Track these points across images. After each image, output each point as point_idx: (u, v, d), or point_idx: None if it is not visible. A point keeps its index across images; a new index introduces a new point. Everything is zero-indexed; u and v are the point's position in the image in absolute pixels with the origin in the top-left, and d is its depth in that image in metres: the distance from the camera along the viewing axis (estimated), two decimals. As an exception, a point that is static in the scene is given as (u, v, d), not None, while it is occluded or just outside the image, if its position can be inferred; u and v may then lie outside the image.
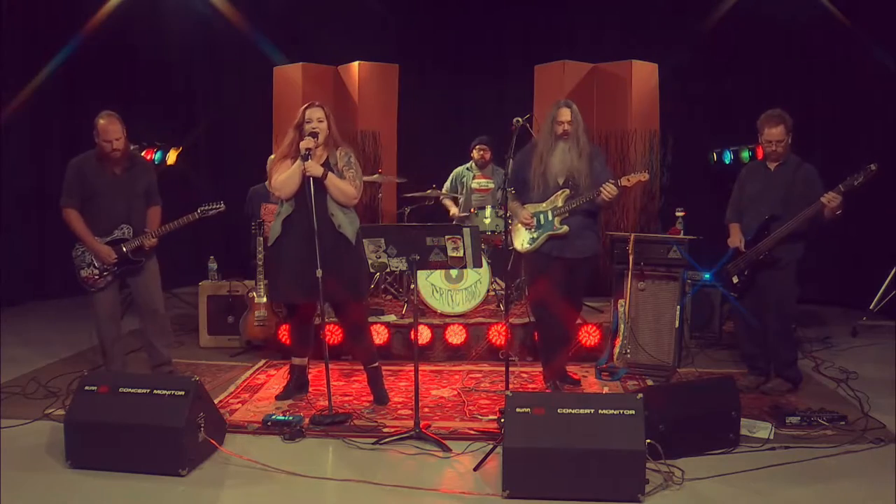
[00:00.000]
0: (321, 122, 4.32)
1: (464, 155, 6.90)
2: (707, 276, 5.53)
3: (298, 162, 4.23)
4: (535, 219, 4.59)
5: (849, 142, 7.39)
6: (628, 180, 4.46)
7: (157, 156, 7.44)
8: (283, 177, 4.29)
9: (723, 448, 3.81)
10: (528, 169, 4.61)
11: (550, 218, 4.55)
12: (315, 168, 4.22)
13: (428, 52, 8.45)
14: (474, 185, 6.60)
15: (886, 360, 5.58)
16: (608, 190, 4.40)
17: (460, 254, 3.96)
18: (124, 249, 4.69)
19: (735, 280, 4.77)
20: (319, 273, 4.11)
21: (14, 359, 5.46)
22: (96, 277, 4.71)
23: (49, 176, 7.84)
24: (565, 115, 4.52)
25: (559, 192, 4.55)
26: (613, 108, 6.96)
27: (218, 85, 8.70)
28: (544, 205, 4.58)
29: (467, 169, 6.87)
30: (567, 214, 4.55)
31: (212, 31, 8.25)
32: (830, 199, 4.38)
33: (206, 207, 4.85)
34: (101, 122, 4.65)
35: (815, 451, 3.81)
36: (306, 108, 4.37)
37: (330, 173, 4.27)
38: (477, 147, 6.76)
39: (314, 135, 4.28)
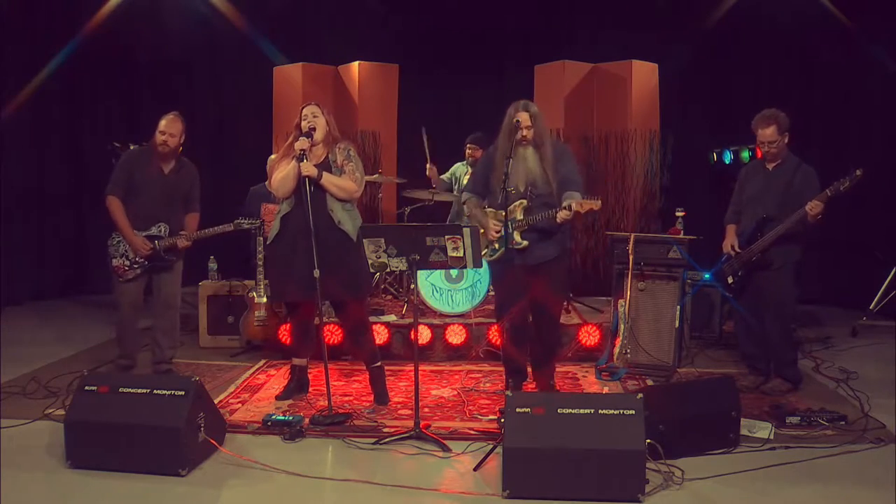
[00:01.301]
0: (316, 116, 4.37)
1: (464, 153, 6.90)
2: (707, 276, 5.53)
3: (294, 162, 4.26)
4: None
5: (848, 142, 7.40)
6: (581, 206, 4.01)
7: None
8: (280, 176, 4.33)
9: (723, 448, 3.81)
10: (491, 172, 4.30)
11: (510, 230, 4.20)
12: (309, 169, 4.25)
13: (428, 52, 8.44)
14: (465, 181, 6.61)
15: (886, 360, 5.58)
16: (562, 215, 4.10)
17: (460, 254, 3.96)
18: (158, 247, 4.80)
19: (730, 280, 4.80)
20: (317, 273, 4.13)
21: (14, 359, 5.45)
22: (126, 268, 4.81)
23: (49, 176, 7.86)
24: (524, 119, 4.18)
25: (518, 203, 4.23)
26: (613, 108, 6.96)
27: (218, 85, 8.70)
28: (504, 213, 4.20)
29: (462, 165, 6.88)
30: (526, 227, 4.24)
31: (212, 31, 8.26)
32: (812, 207, 4.39)
33: (241, 221, 5.01)
34: (164, 121, 4.83)
35: (815, 451, 3.81)
36: (303, 106, 4.44)
37: (325, 173, 4.29)
38: (467, 145, 6.76)
39: (309, 134, 4.31)
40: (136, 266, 4.82)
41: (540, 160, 4.24)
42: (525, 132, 4.20)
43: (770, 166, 4.74)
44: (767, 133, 4.63)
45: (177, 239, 4.83)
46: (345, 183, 4.34)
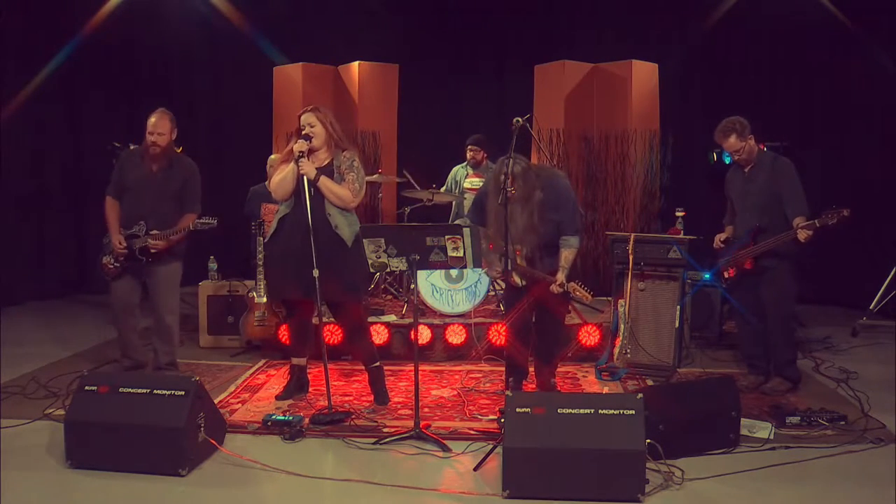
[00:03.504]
0: (312, 126, 4.36)
1: (463, 155, 6.90)
2: (707, 276, 5.53)
3: (293, 164, 4.27)
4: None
5: (848, 142, 7.39)
6: (574, 290, 4.20)
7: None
8: (278, 178, 4.34)
9: (723, 448, 3.81)
10: (488, 202, 4.29)
11: (509, 268, 4.19)
12: (308, 169, 4.25)
13: (428, 52, 8.44)
14: (466, 184, 6.61)
15: (886, 360, 5.58)
16: (553, 288, 4.22)
17: (460, 254, 3.96)
18: (134, 246, 4.75)
19: (726, 275, 4.83)
20: (316, 273, 4.13)
21: (14, 359, 5.45)
22: (110, 267, 4.80)
23: (49, 176, 7.86)
24: (510, 182, 4.06)
25: (517, 247, 4.25)
26: (613, 108, 6.96)
27: (218, 85, 8.70)
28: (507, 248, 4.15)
29: (462, 167, 6.88)
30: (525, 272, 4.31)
31: (212, 31, 8.26)
32: (803, 233, 4.38)
33: (200, 221, 4.76)
34: (153, 118, 4.75)
35: (815, 451, 3.81)
36: (300, 113, 4.42)
37: (323, 176, 4.29)
38: (469, 147, 6.76)
39: (307, 137, 4.32)
40: (116, 264, 4.78)
41: (530, 215, 4.16)
42: (512, 192, 4.10)
43: (746, 170, 4.76)
44: (730, 143, 4.65)
45: (147, 239, 4.70)
46: (341, 191, 4.33)
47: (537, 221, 4.19)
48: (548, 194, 4.23)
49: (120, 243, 4.72)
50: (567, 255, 4.30)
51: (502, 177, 4.08)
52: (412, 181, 6.51)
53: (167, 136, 4.74)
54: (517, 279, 4.33)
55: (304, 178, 4.24)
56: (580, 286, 4.23)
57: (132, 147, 4.88)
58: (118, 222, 4.78)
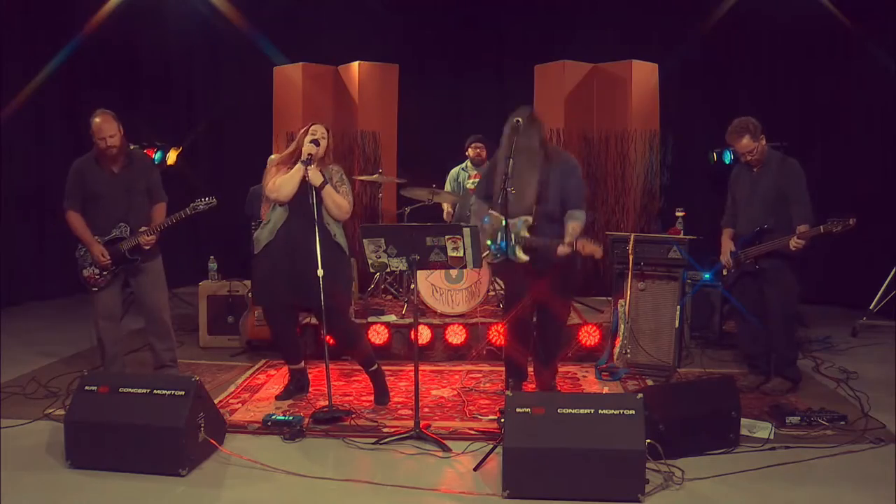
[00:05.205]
0: (324, 138, 4.39)
1: (463, 155, 6.90)
2: (707, 276, 5.54)
3: (299, 166, 4.27)
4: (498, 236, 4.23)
5: (849, 142, 7.39)
6: (583, 247, 4.04)
7: (158, 156, 7.45)
8: (283, 178, 4.32)
9: (723, 448, 3.81)
10: (494, 174, 4.30)
11: (512, 243, 4.17)
12: (316, 175, 4.26)
13: (428, 52, 8.45)
14: (469, 185, 6.58)
15: (886, 360, 5.58)
16: (562, 250, 4.08)
17: (460, 254, 3.96)
18: (122, 248, 4.68)
19: (724, 273, 4.85)
20: (321, 273, 4.12)
21: (14, 359, 5.46)
22: (97, 277, 4.71)
23: (49, 176, 7.84)
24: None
25: (524, 220, 4.17)
26: (613, 108, 6.96)
27: (218, 85, 8.70)
28: (509, 224, 4.15)
29: (462, 169, 6.87)
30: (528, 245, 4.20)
31: (212, 31, 8.26)
32: (797, 245, 4.42)
33: (197, 203, 4.72)
34: (96, 120, 4.66)
35: (815, 451, 3.81)
36: (311, 124, 4.45)
37: (328, 185, 4.31)
38: (472, 145, 6.75)
39: (316, 142, 4.33)
40: (105, 273, 4.69)
41: (533, 169, 4.15)
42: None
43: (754, 169, 4.76)
44: (743, 144, 4.64)
45: (139, 237, 4.66)
46: (342, 200, 4.35)
47: (554, 179, 4.15)
48: (556, 161, 4.24)
49: (103, 255, 4.63)
50: (574, 225, 4.15)
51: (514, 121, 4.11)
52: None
53: (118, 136, 4.67)
54: (521, 255, 4.18)
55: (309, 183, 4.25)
56: (589, 241, 4.06)
57: (79, 159, 4.77)
58: (90, 233, 4.68)
